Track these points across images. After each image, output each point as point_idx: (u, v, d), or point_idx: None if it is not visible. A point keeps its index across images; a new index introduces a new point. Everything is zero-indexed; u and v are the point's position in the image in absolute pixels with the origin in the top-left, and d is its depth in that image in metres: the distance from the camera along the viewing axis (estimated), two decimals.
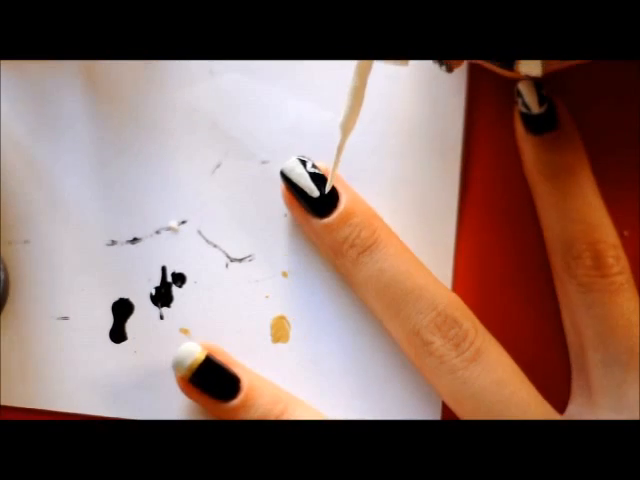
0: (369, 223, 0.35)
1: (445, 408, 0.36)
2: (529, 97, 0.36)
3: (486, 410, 0.33)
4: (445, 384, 0.33)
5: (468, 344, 0.33)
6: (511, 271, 0.37)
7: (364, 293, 0.35)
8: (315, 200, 0.35)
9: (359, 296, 0.36)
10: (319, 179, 0.36)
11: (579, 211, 0.35)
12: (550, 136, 0.36)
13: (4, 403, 0.37)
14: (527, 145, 0.36)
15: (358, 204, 0.36)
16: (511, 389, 0.33)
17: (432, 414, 0.36)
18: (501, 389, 0.33)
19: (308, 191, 0.35)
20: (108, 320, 0.37)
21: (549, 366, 0.35)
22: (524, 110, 0.36)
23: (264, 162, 0.38)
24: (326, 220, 0.35)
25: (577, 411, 0.35)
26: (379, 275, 0.34)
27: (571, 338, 0.36)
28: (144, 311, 0.37)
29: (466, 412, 0.34)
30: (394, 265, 0.35)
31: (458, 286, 0.37)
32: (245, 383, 0.35)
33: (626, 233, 0.37)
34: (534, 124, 0.36)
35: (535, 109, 0.36)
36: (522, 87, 0.36)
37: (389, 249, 0.35)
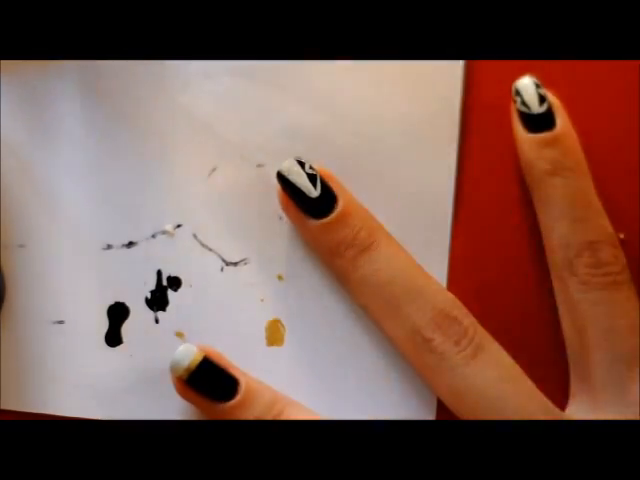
0: (366, 224, 0.35)
1: (439, 408, 0.36)
2: (529, 96, 0.36)
3: (487, 406, 0.33)
4: (445, 381, 0.33)
5: (468, 341, 0.34)
6: (506, 272, 0.37)
7: (361, 293, 0.35)
8: (313, 200, 0.35)
9: (355, 297, 0.36)
10: (316, 180, 0.36)
11: (579, 210, 0.35)
12: (549, 135, 0.36)
13: (0, 407, 0.37)
14: (526, 143, 0.36)
15: (355, 206, 0.36)
16: (512, 385, 0.33)
17: (426, 414, 0.36)
18: (502, 385, 0.33)
19: (306, 191, 0.35)
20: (104, 324, 0.37)
21: (545, 366, 0.35)
22: (523, 109, 0.36)
23: (260, 165, 0.38)
24: (323, 220, 0.35)
25: (579, 409, 0.35)
26: (377, 275, 0.35)
27: (570, 336, 0.36)
28: (140, 315, 0.37)
29: (467, 409, 0.33)
30: (392, 265, 0.35)
31: (452, 287, 0.37)
32: (243, 384, 0.35)
33: (622, 236, 0.37)
34: (533, 123, 0.36)
35: (535, 108, 0.36)
36: (521, 86, 0.36)
37: (387, 250, 0.35)
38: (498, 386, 0.33)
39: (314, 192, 0.35)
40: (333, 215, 0.35)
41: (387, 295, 0.34)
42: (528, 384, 0.34)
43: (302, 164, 0.36)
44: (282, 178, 0.36)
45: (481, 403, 0.33)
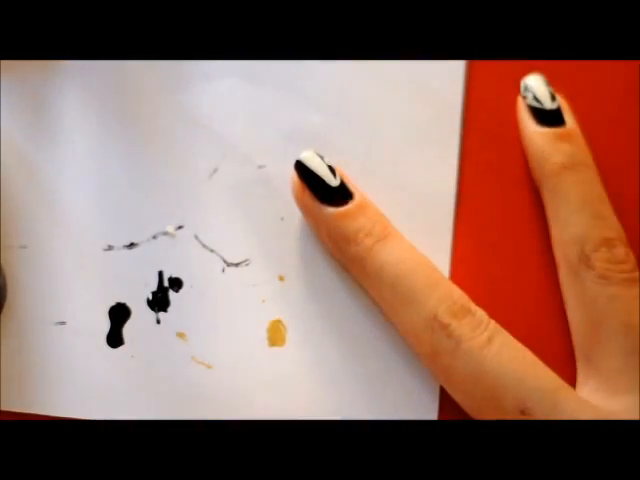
0: (381, 219, 0.36)
1: (441, 408, 0.36)
2: (541, 92, 0.37)
3: (505, 386, 0.33)
4: (463, 363, 0.34)
5: (484, 328, 0.34)
6: (507, 271, 0.37)
7: (378, 280, 0.36)
8: (333, 189, 0.36)
9: (369, 284, 0.36)
10: (335, 172, 0.36)
11: (597, 206, 0.36)
12: (564, 129, 0.37)
13: (1, 408, 0.37)
14: (539, 137, 0.37)
15: (369, 201, 0.37)
16: (528, 366, 0.34)
17: (428, 414, 0.36)
18: (519, 366, 0.34)
19: (327, 180, 0.36)
20: (105, 325, 0.37)
21: (548, 359, 0.35)
22: (536, 104, 0.37)
23: (261, 167, 0.38)
24: (343, 208, 0.36)
25: (592, 396, 0.35)
26: (396, 263, 0.35)
27: (582, 329, 0.35)
28: (141, 316, 0.37)
29: (484, 391, 0.33)
30: (409, 257, 0.35)
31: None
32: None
33: None
34: (546, 118, 0.37)
35: (548, 104, 0.37)
36: (532, 82, 0.37)
37: (403, 243, 0.36)
38: (515, 367, 0.33)
39: (334, 181, 0.36)
40: (353, 204, 0.36)
41: (405, 283, 0.35)
42: (543, 366, 0.34)
43: (321, 157, 0.37)
44: (302, 167, 0.36)
45: (499, 383, 0.33)
